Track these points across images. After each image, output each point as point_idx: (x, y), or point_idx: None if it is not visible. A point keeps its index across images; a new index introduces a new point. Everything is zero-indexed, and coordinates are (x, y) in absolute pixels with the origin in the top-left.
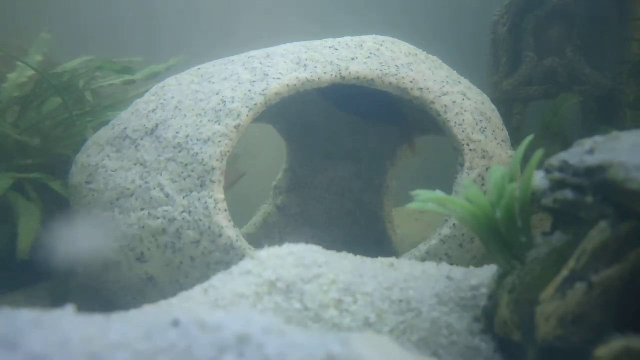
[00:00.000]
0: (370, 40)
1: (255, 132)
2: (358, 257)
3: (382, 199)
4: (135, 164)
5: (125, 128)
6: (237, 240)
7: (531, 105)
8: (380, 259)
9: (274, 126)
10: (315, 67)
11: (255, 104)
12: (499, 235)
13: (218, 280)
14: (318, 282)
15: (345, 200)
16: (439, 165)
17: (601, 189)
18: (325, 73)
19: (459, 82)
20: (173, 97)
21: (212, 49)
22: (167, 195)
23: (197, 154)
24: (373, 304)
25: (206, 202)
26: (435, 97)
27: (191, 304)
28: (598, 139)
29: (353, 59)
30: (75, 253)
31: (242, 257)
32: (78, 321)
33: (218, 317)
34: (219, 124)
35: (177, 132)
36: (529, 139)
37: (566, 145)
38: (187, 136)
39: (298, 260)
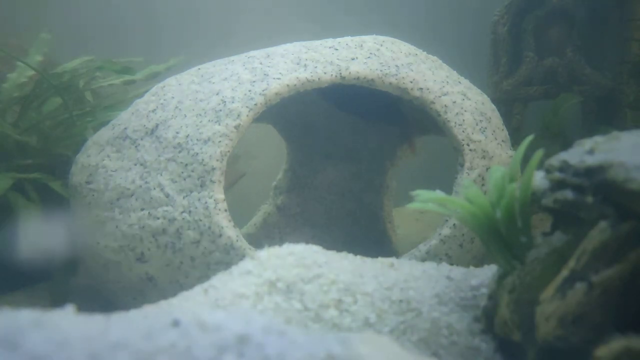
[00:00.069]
0: (370, 40)
1: (255, 132)
2: (358, 257)
3: (382, 199)
4: (135, 164)
5: (125, 128)
6: (237, 240)
7: (531, 105)
8: (380, 259)
9: (274, 126)
10: (315, 67)
11: (255, 104)
12: (499, 235)
13: (218, 280)
14: (318, 282)
15: (345, 200)
16: (439, 165)
17: (601, 189)
18: (325, 73)
19: (459, 82)
20: (173, 97)
21: (212, 49)
22: (167, 195)
23: (197, 154)
24: (373, 304)
25: (206, 202)
26: (435, 97)
27: (191, 304)
28: (598, 139)
29: (353, 59)
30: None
31: (242, 257)
32: (78, 321)
33: (218, 317)
34: (219, 124)
35: (177, 132)
36: (529, 139)
37: (566, 145)
38: (187, 136)
39: (298, 260)
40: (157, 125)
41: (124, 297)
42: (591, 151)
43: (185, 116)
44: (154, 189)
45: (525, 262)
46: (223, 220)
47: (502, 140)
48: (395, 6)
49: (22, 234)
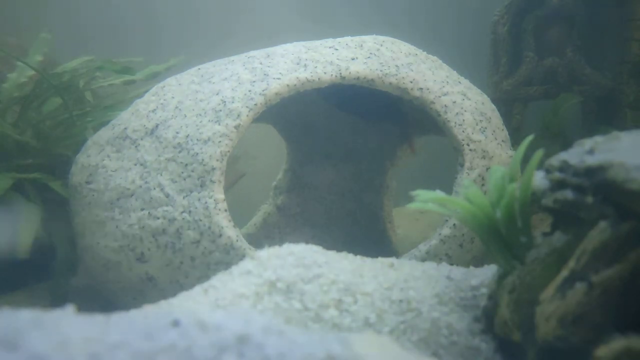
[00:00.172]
0: (370, 40)
1: (255, 132)
2: (358, 257)
3: (382, 199)
4: (135, 164)
5: (125, 128)
6: (237, 240)
7: (531, 105)
8: (380, 259)
9: (274, 126)
10: (315, 67)
11: (255, 104)
12: (499, 235)
13: (218, 280)
14: (318, 282)
15: (345, 200)
16: (439, 165)
17: (601, 189)
18: (325, 73)
19: (459, 82)
20: (173, 97)
21: (212, 49)
22: (167, 195)
23: (197, 154)
24: (373, 304)
25: (206, 202)
26: (435, 97)
27: (191, 304)
28: (598, 139)
29: (353, 59)
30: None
31: (242, 257)
32: (78, 321)
33: (218, 317)
34: (219, 124)
35: (177, 132)
36: (529, 139)
37: (566, 145)
38: (187, 136)
39: (298, 260)
40: (157, 125)
41: (124, 297)
42: (591, 151)
43: (185, 116)
44: (154, 189)
45: (525, 262)
46: (223, 220)
47: (502, 140)
48: (395, 6)
49: (21, 234)
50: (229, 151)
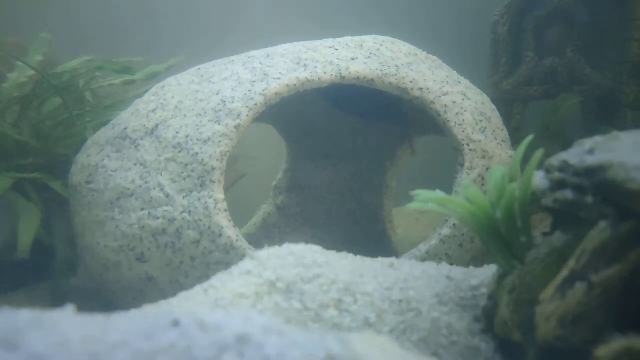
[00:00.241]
0: (370, 40)
1: (255, 133)
2: (358, 257)
3: (382, 199)
4: (135, 164)
5: (125, 128)
6: (237, 240)
7: (531, 105)
8: (380, 259)
9: (274, 126)
10: (315, 67)
11: (255, 104)
12: (499, 235)
13: (218, 280)
14: (318, 282)
15: (345, 200)
16: (439, 165)
17: (601, 189)
18: (325, 73)
19: (459, 82)
20: (173, 97)
21: (212, 49)
22: (167, 195)
23: (197, 154)
24: (373, 304)
25: (206, 202)
26: (435, 97)
27: (191, 304)
28: (598, 139)
29: (353, 59)
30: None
31: (242, 257)
32: (78, 321)
33: (218, 317)
34: (219, 124)
35: (177, 132)
36: (529, 139)
37: (566, 145)
38: (187, 136)
39: (298, 260)
40: (157, 125)
41: (124, 297)
42: (591, 151)
43: (185, 116)
44: (154, 189)
45: (525, 262)
46: (223, 220)
47: (502, 140)
48: (395, 6)
49: (21, 234)
50: (229, 151)
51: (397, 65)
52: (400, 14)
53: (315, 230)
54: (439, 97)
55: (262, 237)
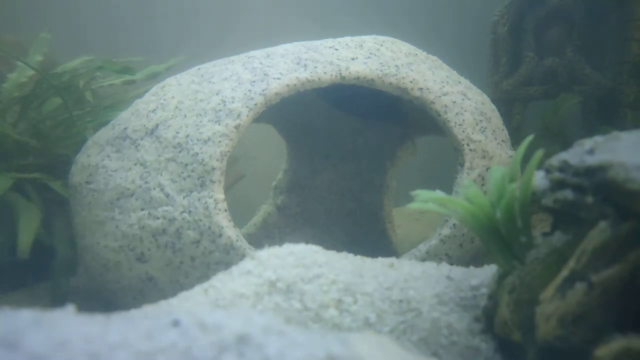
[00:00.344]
0: (370, 40)
1: (255, 132)
2: (358, 257)
3: (382, 198)
4: (135, 164)
5: (125, 128)
6: (237, 240)
7: (531, 105)
8: (380, 259)
9: (274, 126)
10: (315, 67)
11: (255, 104)
12: (499, 235)
13: (218, 280)
14: (318, 282)
15: (345, 200)
16: (439, 165)
17: (601, 189)
18: (325, 73)
19: (459, 82)
20: (173, 97)
21: (212, 49)
22: (167, 195)
23: (197, 153)
24: (373, 304)
25: (206, 202)
26: (435, 97)
27: (191, 304)
28: (598, 139)
29: (353, 59)
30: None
31: (242, 257)
32: (78, 321)
33: (218, 317)
34: (219, 124)
35: (177, 132)
36: (529, 139)
37: (566, 145)
38: (187, 136)
39: (298, 260)
40: (157, 125)
41: (124, 297)
42: (591, 151)
43: (185, 116)
44: (154, 189)
45: (525, 262)
46: (223, 220)
47: (502, 140)
48: (395, 6)
49: (21, 234)
50: (229, 151)
51: (397, 65)
52: (400, 14)
53: (315, 230)
54: (439, 97)
55: (262, 237)
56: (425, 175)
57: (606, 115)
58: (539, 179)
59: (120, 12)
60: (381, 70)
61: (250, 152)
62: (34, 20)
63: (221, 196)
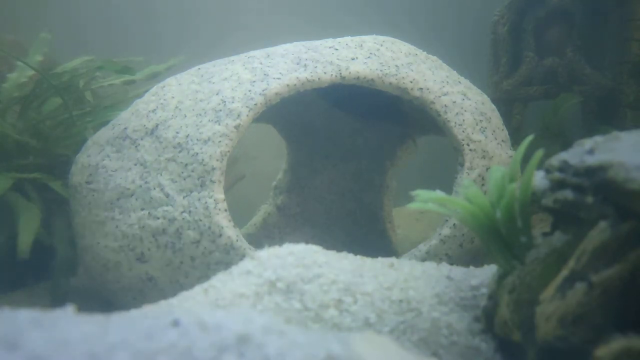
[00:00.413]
0: (370, 40)
1: (255, 132)
2: (358, 257)
3: (382, 198)
4: (135, 164)
5: (125, 128)
6: (237, 240)
7: (531, 105)
8: (380, 259)
9: (274, 126)
10: (315, 67)
11: (255, 104)
12: (499, 235)
13: (218, 280)
14: (318, 282)
15: (345, 200)
16: (439, 165)
17: (601, 189)
18: (325, 73)
19: (459, 82)
20: (173, 97)
21: (212, 49)
22: (167, 195)
23: (197, 153)
24: (373, 304)
25: (206, 202)
26: (435, 97)
27: (191, 304)
28: (598, 139)
29: (353, 59)
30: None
31: (242, 257)
32: (78, 321)
33: (218, 317)
34: (219, 124)
35: (177, 132)
36: (529, 139)
37: (566, 145)
38: (187, 136)
39: (298, 260)
40: (157, 125)
41: (124, 297)
42: (591, 151)
43: (185, 116)
44: (154, 189)
45: (525, 262)
46: (223, 220)
47: (502, 140)
48: (395, 6)
49: (21, 234)
50: (229, 151)
51: (397, 65)
52: (400, 14)
53: (315, 230)
54: (439, 97)
55: (262, 237)
56: (425, 175)
57: (606, 115)
58: (539, 179)
59: (120, 12)
60: (381, 70)
61: (250, 152)
62: (34, 20)
63: (221, 196)
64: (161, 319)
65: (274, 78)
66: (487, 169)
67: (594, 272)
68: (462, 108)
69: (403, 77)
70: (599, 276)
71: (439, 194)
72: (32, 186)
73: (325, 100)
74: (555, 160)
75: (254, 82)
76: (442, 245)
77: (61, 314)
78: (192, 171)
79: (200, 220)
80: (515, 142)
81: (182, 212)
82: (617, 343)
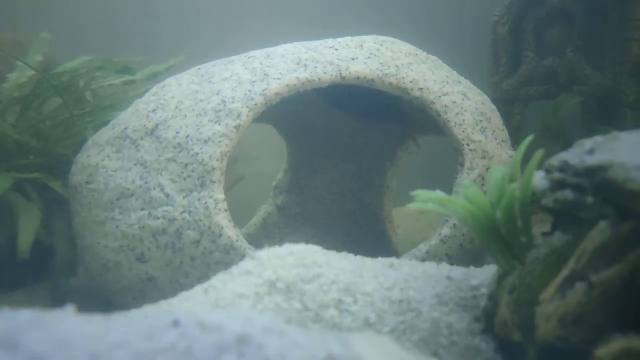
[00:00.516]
0: (370, 40)
1: (255, 132)
2: (358, 257)
3: (382, 198)
4: (135, 164)
5: (125, 128)
6: (237, 240)
7: (531, 105)
8: (380, 259)
9: (274, 126)
10: (315, 67)
11: (255, 104)
12: (499, 235)
13: (218, 280)
14: (318, 282)
15: (345, 200)
16: (439, 165)
17: (601, 189)
18: (325, 73)
19: (459, 82)
20: (173, 97)
21: (212, 49)
22: (167, 195)
23: (197, 153)
24: (373, 304)
25: (206, 202)
26: (435, 97)
27: (191, 304)
28: (598, 139)
29: (353, 59)
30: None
31: (242, 257)
32: (78, 321)
33: (218, 317)
34: (219, 124)
35: (177, 132)
36: (529, 139)
37: (566, 145)
38: (187, 136)
39: (298, 260)
40: (157, 125)
41: (124, 297)
42: (591, 151)
43: (185, 116)
44: (154, 189)
45: (525, 262)
46: (223, 220)
47: (502, 140)
48: (395, 6)
49: (21, 234)
50: (229, 151)
51: (397, 65)
52: (400, 14)
53: (315, 230)
54: (439, 97)
55: (262, 237)
56: (425, 175)
57: (606, 115)
58: (539, 179)
59: (120, 12)
60: (381, 70)
61: (250, 152)
62: (34, 20)
63: (221, 196)
64: (161, 319)
65: (274, 78)
66: (487, 169)
67: (594, 272)
68: (462, 108)
69: (403, 77)
70: (599, 276)
71: (439, 194)
72: (32, 186)
73: (325, 100)
74: (555, 160)
75: (254, 82)
76: (442, 245)
77: (61, 314)
78: (192, 171)
79: (200, 220)
80: (515, 142)
81: (182, 212)
82: (617, 343)
